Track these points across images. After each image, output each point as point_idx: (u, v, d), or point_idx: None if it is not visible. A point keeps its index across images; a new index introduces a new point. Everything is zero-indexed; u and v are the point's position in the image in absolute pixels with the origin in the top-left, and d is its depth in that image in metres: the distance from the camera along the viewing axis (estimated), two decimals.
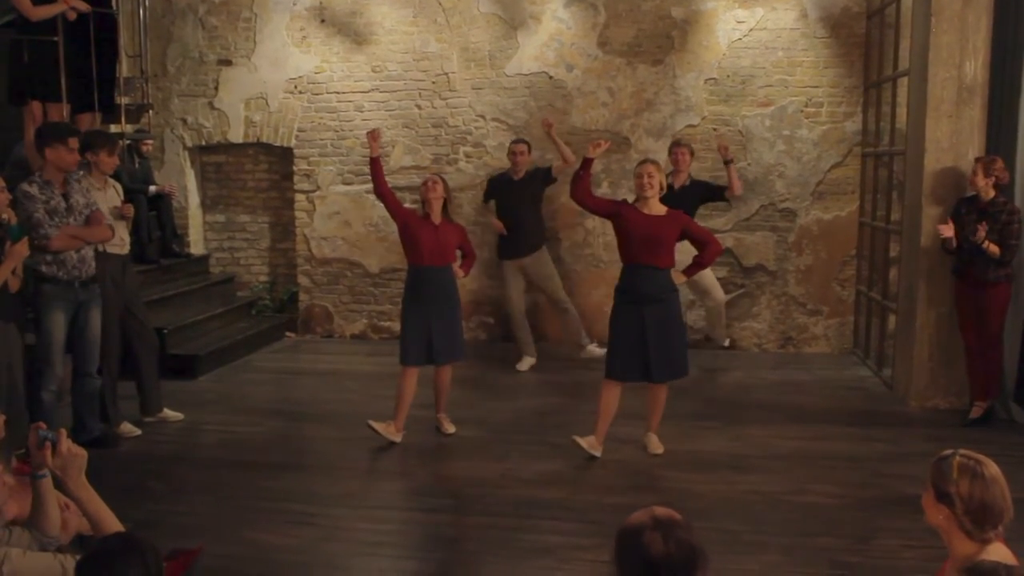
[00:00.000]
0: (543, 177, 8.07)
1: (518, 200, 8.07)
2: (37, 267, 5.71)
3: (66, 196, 5.77)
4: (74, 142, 5.76)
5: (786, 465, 5.70)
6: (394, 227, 9.60)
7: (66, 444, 2.89)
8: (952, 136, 6.69)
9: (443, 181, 6.23)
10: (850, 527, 4.77)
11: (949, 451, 2.64)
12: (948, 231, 6.29)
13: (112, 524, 2.89)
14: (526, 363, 8.23)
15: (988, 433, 6.21)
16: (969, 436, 5.98)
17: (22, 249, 5.32)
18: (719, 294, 8.07)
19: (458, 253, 6.36)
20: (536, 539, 4.70)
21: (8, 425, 3.51)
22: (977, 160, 6.35)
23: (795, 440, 6.19)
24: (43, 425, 2.97)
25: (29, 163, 6.72)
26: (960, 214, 6.38)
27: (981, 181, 6.22)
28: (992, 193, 6.23)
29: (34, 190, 5.64)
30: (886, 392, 7.43)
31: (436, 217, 6.14)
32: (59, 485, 2.96)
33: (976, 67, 6.65)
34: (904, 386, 7.09)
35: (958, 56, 6.64)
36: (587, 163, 5.76)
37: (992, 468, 2.56)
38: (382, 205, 8.29)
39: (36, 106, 6.90)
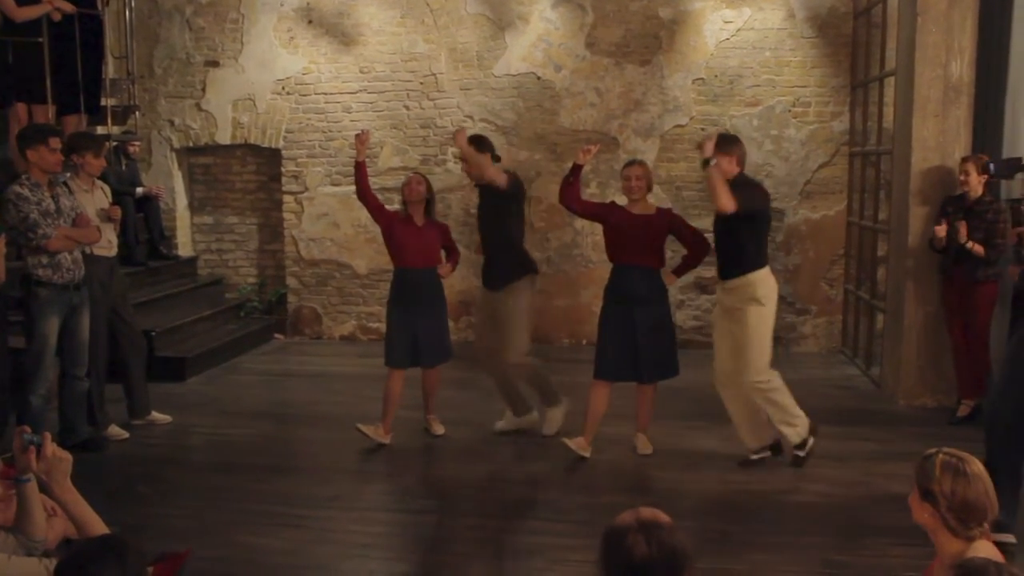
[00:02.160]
0: (489, 190, 6.00)
1: (479, 216, 6.31)
2: (33, 271, 5.67)
3: (54, 198, 5.74)
4: (55, 142, 5.71)
5: (775, 464, 5.70)
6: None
7: (51, 448, 2.87)
8: (939, 135, 6.71)
9: (426, 181, 6.19)
10: (840, 525, 4.79)
11: (933, 450, 2.65)
12: (942, 231, 6.30)
13: (98, 527, 2.87)
14: (554, 419, 6.28)
15: (976, 431, 6.15)
16: (957, 434, 6.00)
17: (0, 248, 5.29)
18: (752, 372, 5.47)
19: (443, 253, 6.33)
20: (526, 540, 4.70)
21: None
22: (967, 159, 6.37)
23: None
24: (27, 429, 2.95)
25: (15, 165, 6.69)
26: (947, 213, 6.41)
27: (974, 179, 6.24)
28: (981, 191, 6.27)
29: (26, 191, 5.60)
30: (874, 391, 7.45)
31: (419, 218, 6.11)
32: (45, 489, 2.95)
33: (962, 67, 6.68)
34: (892, 385, 7.12)
35: (944, 56, 6.66)
36: (576, 169, 5.74)
37: (975, 466, 2.57)
38: None
39: (21, 108, 6.87)
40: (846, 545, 4.56)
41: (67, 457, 2.90)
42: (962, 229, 6.15)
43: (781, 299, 8.79)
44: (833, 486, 5.33)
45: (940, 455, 2.60)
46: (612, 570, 2.07)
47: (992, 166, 6.32)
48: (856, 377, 7.92)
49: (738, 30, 8.68)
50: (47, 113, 6.88)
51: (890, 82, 7.51)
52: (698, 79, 8.77)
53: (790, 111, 8.70)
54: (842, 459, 5.79)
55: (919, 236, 6.76)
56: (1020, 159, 6.34)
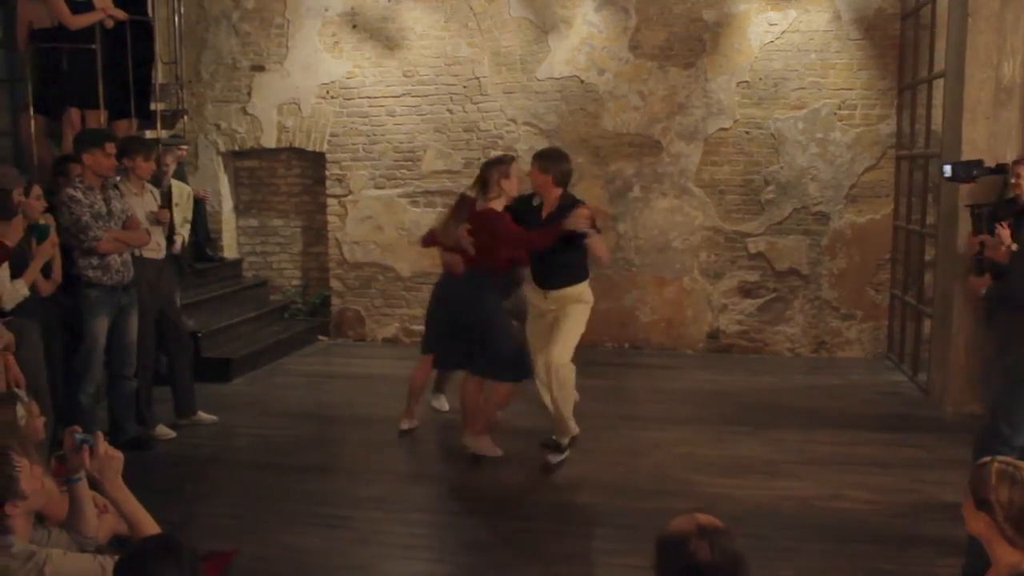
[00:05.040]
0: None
1: None
2: (83, 272, 5.80)
3: (106, 201, 5.86)
4: (111, 147, 5.85)
5: (820, 470, 5.65)
6: (424, 232, 9.67)
7: (103, 447, 2.93)
8: (989, 138, 6.60)
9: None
10: (886, 534, 4.72)
11: (987, 458, 2.60)
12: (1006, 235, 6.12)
13: (149, 525, 2.92)
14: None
15: None
16: None
17: (49, 248, 5.40)
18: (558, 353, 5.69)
19: None
20: (568, 544, 4.70)
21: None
22: (1019, 162, 6.25)
23: (829, 445, 6.13)
24: (79, 428, 3.01)
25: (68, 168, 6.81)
26: (997, 217, 6.28)
27: None
28: None
29: (79, 194, 5.73)
30: (921, 397, 7.34)
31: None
32: (96, 487, 3.00)
33: (1014, 67, 6.56)
34: (940, 391, 7.01)
35: (995, 56, 6.55)
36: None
37: None
38: (415, 210, 8.35)
39: (75, 113, 7.00)
40: (893, 554, 4.49)
41: (119, 456, 2.95)
42: (1004, 233, 6.02)
43: (826, 303, 8.78)
44: (879, 493, 5.26)
45: (995, 463, 2.55)
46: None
47: (949, 168, 6.07)
48: (903, 383, 7.81)
49: (783, 32, 8.60)
50: (99, 118, 7.01)
51: (939, 84, 7.40)
52: (742, 82, 8.71)
53: (836, 114, 8.60)
54: (888, 466, 5.72)
55: (968, 240, 6.64)
56: (980, 161, 6.10)
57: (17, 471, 2.74)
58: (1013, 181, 6.23)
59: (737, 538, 2.11)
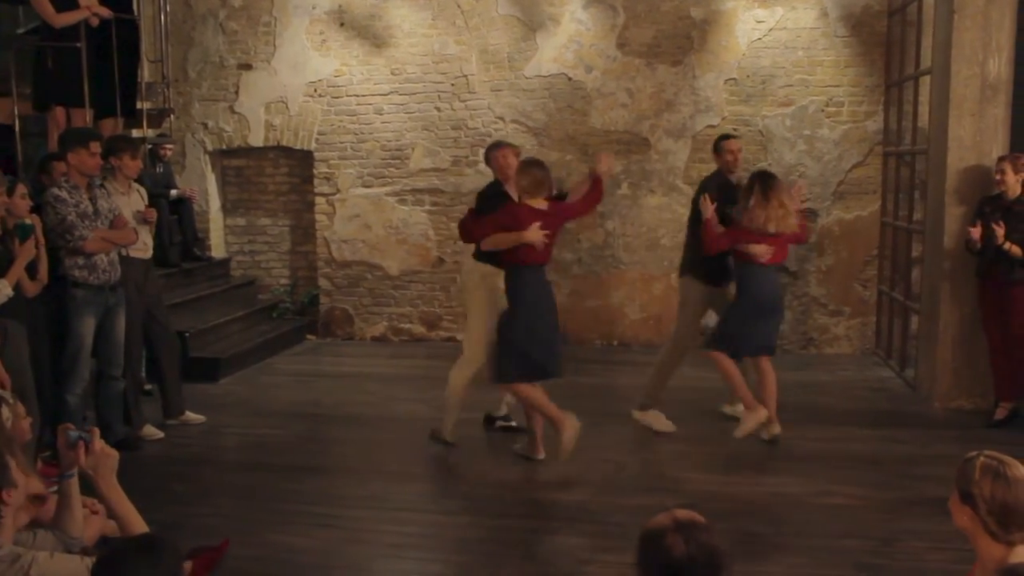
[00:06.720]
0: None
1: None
2: (70, 272, 5.76)
3: (92, 200, 5.83)
4: (95, 146, 5.81)
5: (809, 466, 5.66)
6: (413, 230, 9.64)
7: (99, 443, 2.90)
8: (976, 135, 6.64)
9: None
10: (874, 529, 4.74)
11: (974, 452, 2.62)
12: (976, 232, 6.21)
13: (140, 526, 2.90)
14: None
15: (1013, 434, 6.14)
16: (994, 437, 5.92)
17: (31, 247, 5.36)
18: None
19: None
20: (558, 542, 4.70)
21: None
22: (1003, 158, 6.30)
23: (817, 441, 6.14)
24: (71, 426, 2.99)
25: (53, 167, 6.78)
26: (984, 213, 6.33)
27: (1011, 178, 6.17)
28: (1019, 191, 6.18)
29: (64, 194, 5.70)
30: (909, 393, 7.37)
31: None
32: (89, 486, 2.97)
33: (1000, 64, 6.59)
34: (927, 387, 7.04)
35: (981, 53, 6.58)
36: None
37: (1017, 469, 2.53)
38: (403, 208, 8.30)
39: (59, 112, 6.96)
40: (881, 549, 4.51)
41: (114, 454, 2.93)
42: (999, 230, 6.07)
43: (814, 300, 8.80)
44: (867, 489, 5.28)
45: (981, 458, 2.56)
46: (651, 572, 2.06)
47: None
48: (890, 379, 7.84)
49: (770, 30, 8.62)
50: (85, 117, 6.98)
51: (925, 81, 7.44)
52: (730, 79, 8.72)
53: (823, 111, 8.63)
54: (876, 462, 5.75)
55: (955, 237, 6.68)
56: None
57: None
58: (998, 178, 6.28)
59: (719, 532, 2.09)
